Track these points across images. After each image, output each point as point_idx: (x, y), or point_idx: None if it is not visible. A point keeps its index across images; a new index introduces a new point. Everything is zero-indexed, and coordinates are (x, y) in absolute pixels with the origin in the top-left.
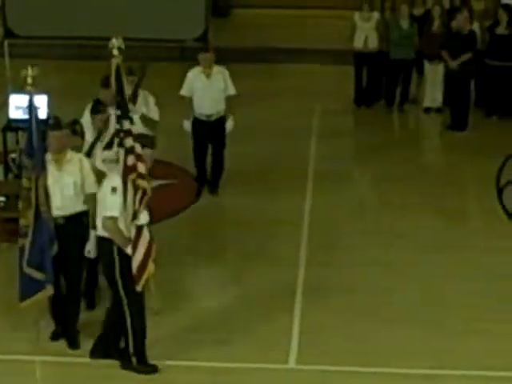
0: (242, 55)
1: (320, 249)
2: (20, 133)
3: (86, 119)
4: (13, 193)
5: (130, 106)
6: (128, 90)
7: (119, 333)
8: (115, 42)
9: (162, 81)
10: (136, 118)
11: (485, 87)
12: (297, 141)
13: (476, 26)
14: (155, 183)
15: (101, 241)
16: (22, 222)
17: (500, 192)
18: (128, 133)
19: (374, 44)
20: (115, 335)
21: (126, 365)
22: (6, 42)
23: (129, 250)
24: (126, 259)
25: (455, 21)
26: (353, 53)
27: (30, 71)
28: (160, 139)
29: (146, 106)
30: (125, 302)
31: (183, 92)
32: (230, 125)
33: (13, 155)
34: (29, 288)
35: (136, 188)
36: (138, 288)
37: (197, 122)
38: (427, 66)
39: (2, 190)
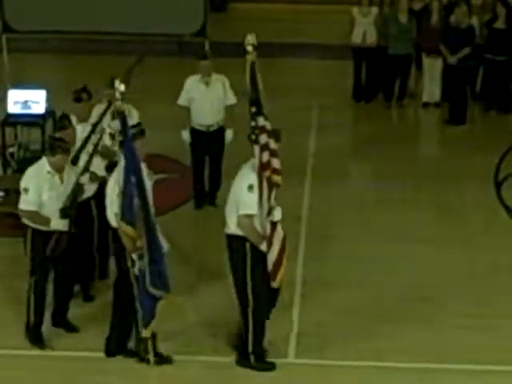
0: (239, 50)
1: (319, 244)
2: (18, 128)
3: None
4: (12, 188)
5: (112, 121)
6: (104, 104)
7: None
8: (250, 39)
9: (160, 76)
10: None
11: (483, 81)
12: (295, 136)
13: (474, 21)
14: (154, 178)
15: (232, 239)
16: (138, 243)
17: (498, 186)
18: (263, 129)
19: (372, 39)
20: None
21: (244, 362)
22: (3, 37)
23: (263, 248)
24: (258, 257)
25: (453, 15)
26: (351, 48)
27: (119, 85)
28: (159, 134)
29: (130, 119)
30: (250, 301)
31: (181, 101)
32: (229, 135)
33: (11, 150)
34: (150, 311)
35: (271, 184)
36: (275, 284)
37: (195, 133)
38: (425, 60)
39: (0, 184)
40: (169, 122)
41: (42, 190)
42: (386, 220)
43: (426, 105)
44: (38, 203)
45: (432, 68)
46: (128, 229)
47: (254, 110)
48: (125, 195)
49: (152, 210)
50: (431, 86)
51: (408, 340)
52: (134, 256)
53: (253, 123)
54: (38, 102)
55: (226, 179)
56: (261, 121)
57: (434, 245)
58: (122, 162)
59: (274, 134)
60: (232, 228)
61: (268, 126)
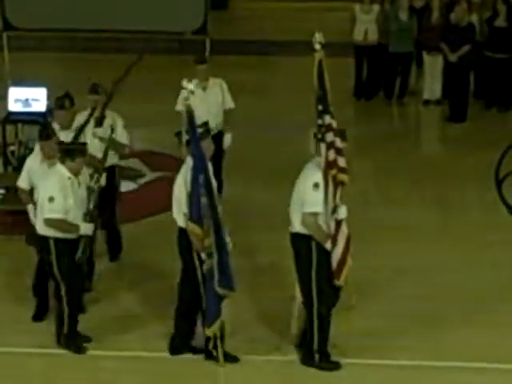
0: (240, 47)
1: None
2: (19, 126)
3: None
4: (12, 185)
5: (96, 128)
6: (88, 110)
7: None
8: (317, 37)
9: (161, 73)
10: (91, 139)
11: (484, 79)
12: (296, 133)
13: (474, 18)
14: (154, 175)
15: (297, 237)
16: (206, 241)
17: (499, 184)
18: (329, 127)
19: (373, 37)
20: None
21: (308, 361)
22: (4, 35)
23: (327, 246)
24: (324, 256)
25: (454, 13)
26: (353, 45)
27: (188, 85)
28: (159, 131)
29: (115, 128)
30: (315, 300)
31: (179, 107)
32: (228, 140)
33: (12, 148)
34: (216, 310)
35: (336, 183)
36: (339, 283)
37: None
38: (426, 57)
39: (1, 182)
40: (169, 120)
41: (66, 197)
42: (386, 217)
43: (426, 102)
44: (64, 210)
45: (433, 66)
46: (196, 228)
47: (320, 107)
48: (193, 195)
49: (219, 209)
50: (432, 84)
51: (409, 338)
52: (203, 255)
53: (319, 121)
54: (38, 100)
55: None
56: (327, 119)
57: (435, 242)
58: (189, 162)
59: (340, 133)
60: (297, 226)
61: (334, 124)
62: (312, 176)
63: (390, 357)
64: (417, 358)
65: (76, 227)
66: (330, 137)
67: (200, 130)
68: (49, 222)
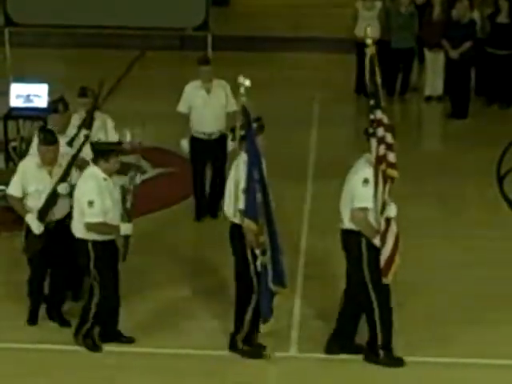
0: (241, 44)
1: (321, 237)
2: (20, 121)
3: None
4: None
5: (85, 131)
6: (81, 114)
7: (355, 327)
8: (369, 32)
9: (162, 70)
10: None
11: (485, 76)
12: (297, 129)
13: (476, 15)
14: (155, 172)
15: (348, 234)
16: (261, 238)
17: (501, 180)
18: (380, 122)
19: (375, 33)
20: (352, 330)
21: (372, 358)
22: (6, 31)
23: (376, 242)
24: (374, 252)
25: (455, 9)
26: (354, 41)
27: (244, 81)
28: (160, 127)
29: (105, 130)
30: (373, 296)
31: (180, 108)
32: (231, 143)
33: (13, 144)
34: (270, 306)
35: (386, 178)
36: (386, 281)
37: (195, 141)
38: (428, 54)
39: (3, 178)
40: (170, 116)
41: (104, 199)
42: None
43: (428, 99)
44: (103, 213)
45: (434, 62)
46: (251, 224)
47: (372, 102)
48: (248, 191)
49: (273, 206)
50: (434, 80)
51: (412, 333)
52: (257, 251)
53: (371, 116)
54: (40, 96)
55: None
56: (378, 114)
57: (436, 239)
58: (243, 158)
59: (391, 129)
60: (346, 223)
61: (385, 119)
62: (362, 172)
63: (397, 353)
64: (420, 355)
65: (116, 228)
66: (380, 132)
67: (255, 126)
68: (90, 226)
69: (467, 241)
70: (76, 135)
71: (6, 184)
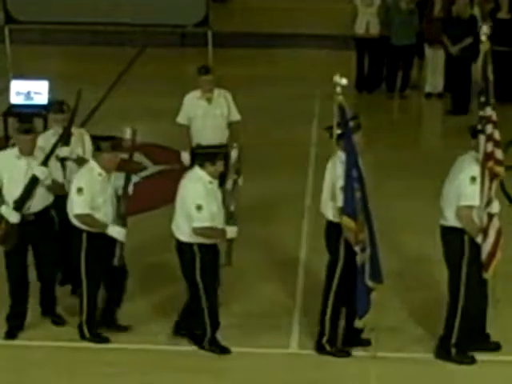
0: (242, 40)
1: (321, 233)
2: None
3: None
4: None
5: (62, 148)
6: (56, 130)
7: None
8: (485, 29)
9: (162, 67)
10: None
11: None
12: (298, 126)
13: (476, 11)
14: (157, 168)
15: (450, 231)
16: (360, 236)
17: None
18: (489, 119)
19: (375, 29)
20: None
21: (444, 355)
22: (6, 28)
23: (479, 240)
24: (475, 250)
25: (455, 6)
26: (354, 38)
27: (340, 80)
28: (160, 124)
29: (82, 146)
30: (461, 296)
31: (180, 119)
32: (234, 155)
33: (13, 141)
34: (367, 303)
35: (492, 175)
36: (486, 275)
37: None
38: (428, 51)
39: None
40: (170, 113)
41: (211, 203)
42: (387, 210)
43: (428, 95)
44: (212, 217)
45: (435, 58)
46: (350, 222)
47: (482, 99)
48: (346, 189)
49: (370, 203)
50: (434, 77)
51: (410, 330)
52: (357, 248)
53: (481, 113)
54: (40, 93)
55: None
56: (488, 111)
57: (436, 235)
58: (341, 156)
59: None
60: (450, 220)
61: (494, 116)
62: (469, 169)
63: (397, 349)
64: (421, 351)
65: (222, 232)
66: (489, 129)
67: (351, 124)
68: (197, 231)
69: None
70: (51, 153)
71: None
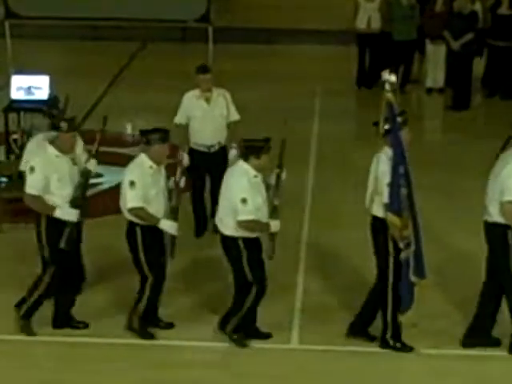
0: (243, 36)
1: (322, 229)
2: (21, 114)
3: None
4: (15, 173)
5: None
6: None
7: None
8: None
9: (163, 62)
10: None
11: (487, 67)
12: (299, 121)
13: (478, 6)
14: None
15: (494, 226)
16: (405, 232)
17: None
18: None
19: (377, 24)
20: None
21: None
22: (6, 23)
23: None
24: None
25: (457, 1)
26: (355, 34)
27: (390, 77)
28: (161, 119)
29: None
30: (509, 288)
31: (178, 119)
32: (233, 155)
33: (14, 136)
34: (410, 298)
35: None
36: None
37: (194, 154)
38: (429, 46)
39: (3, 170)
40: (171, 108)
41: (256, 196)
42: None
43: (429, 90)
44: (256, 210)
45: (436, 54)
46: (395, 219)
47: None
48: (393, 185)
49: (416, 200)
50: (435, 72)
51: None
52: (401, 245)
53: None
54: (40, 88)
55: None
56: None
57: (437, 230)
58: (387, 152)
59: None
60: (494, 216)
61: None
62: (510, 165)
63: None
64: (418, 346)
65: (266, 225)
66: None
67: (399, 120)
68: (242, 224)
69: (467, 232)
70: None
71: (8, 176)
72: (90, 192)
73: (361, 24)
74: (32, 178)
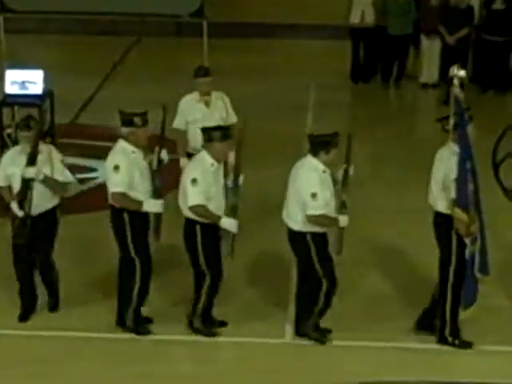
0: (237, 30)
1: None
2: (15, 108)
3: None
4: None
5: (28, 168)
6: (25, 148)
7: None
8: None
9: (157, 56)
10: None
11: (481, 62)
12: (293, 116)
13: (474, 1)
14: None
15: None
16: (472, 228)
17: (496, 167)
18: None
19: (370, 18)
20: None
21: None
22: (1, 17)
23: None
24: None
25: None
26: (349, 28)
27: (458, 71)
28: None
29: (51, 164)
30: None
31: (177, 124)
32: (231, 158)
33: (9, 130)
34: (474, 294)
35: None
36: None
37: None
38: (424, 41)
39: None
40: (166, 102)
41: (325, 191)
42: (383, 200)
43: (424, 85)
44: (326, 205)
45: (430, 49)
46: (461, 215)
47: None
48: (460, 181)
49: (481, 195)
50: (429, 67)
51: (407, 321)
52: (467, 240)
53: None
54: (35, 83)
55: None
56: None
57: (430, 226)
58: (453, 148)
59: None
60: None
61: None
62: None
63: (394, 339)
64: (417, 341)
65: (335, 220)
66: None
67: (467, 116)
68: (312, 219)
69: None
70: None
71: None
72: (85, 186)
73: (355, 18)
74: (118, 176)
